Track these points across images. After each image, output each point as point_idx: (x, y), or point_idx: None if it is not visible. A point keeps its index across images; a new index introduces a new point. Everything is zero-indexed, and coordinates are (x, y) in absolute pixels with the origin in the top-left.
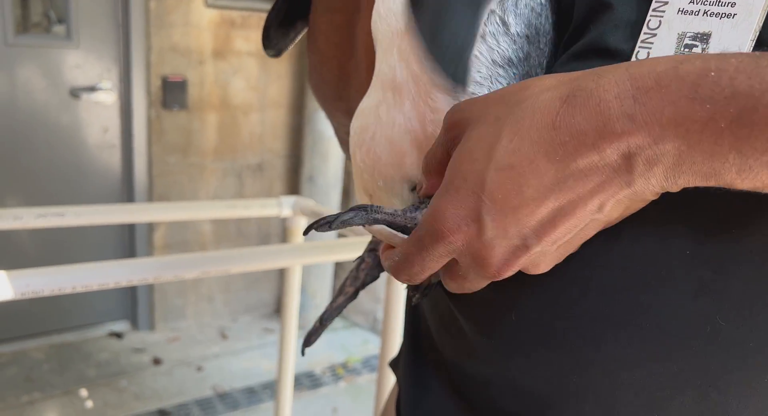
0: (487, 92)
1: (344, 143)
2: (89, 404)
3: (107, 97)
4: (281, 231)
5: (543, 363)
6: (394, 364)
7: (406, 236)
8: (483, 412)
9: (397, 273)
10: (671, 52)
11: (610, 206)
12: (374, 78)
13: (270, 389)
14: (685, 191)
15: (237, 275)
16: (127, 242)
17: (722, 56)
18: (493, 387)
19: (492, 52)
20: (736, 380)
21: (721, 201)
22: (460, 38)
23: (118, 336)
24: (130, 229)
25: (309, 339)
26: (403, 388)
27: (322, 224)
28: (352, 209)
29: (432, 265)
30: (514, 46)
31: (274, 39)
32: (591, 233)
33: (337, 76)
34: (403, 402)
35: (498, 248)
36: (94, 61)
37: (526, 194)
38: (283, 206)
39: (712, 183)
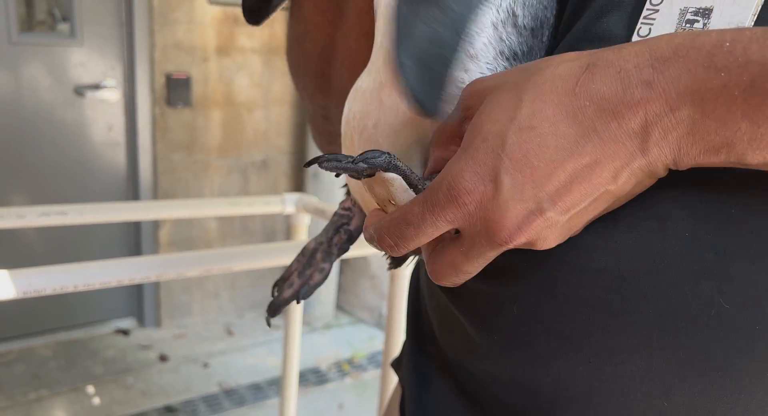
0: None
1: (319, 128)
2: (96, 401)
3: (111, 95)
4: (286, 228)
5: (547, 357)
6: (396, 365)
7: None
8: (489, 411)
9: (388, 234)
10: (672, 28)
11: (624, 177)
12: (374, 53)
13: (276, 385)
14: (681, 173)
15: (243, 272)
16: (133, 239)
17: (738, 30)
18: (498, 384)
19: (500, 43)
20: (744, 364)
21: (717, 183)
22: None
23: (124, 333)
24: (135, 227)
25: (278, 309)
26: (407, 389)
27: (329, 162)
28: (374, 150)
29: (430, 230)
30: (520, 39)
31: (255, 4)
32: (601, 207)
33: (321, 48)
34: (408, 404)
35: (512, 211)
36: (98, 59)
37: (546, 155)
38: (286, 203)
39: (722, 157)
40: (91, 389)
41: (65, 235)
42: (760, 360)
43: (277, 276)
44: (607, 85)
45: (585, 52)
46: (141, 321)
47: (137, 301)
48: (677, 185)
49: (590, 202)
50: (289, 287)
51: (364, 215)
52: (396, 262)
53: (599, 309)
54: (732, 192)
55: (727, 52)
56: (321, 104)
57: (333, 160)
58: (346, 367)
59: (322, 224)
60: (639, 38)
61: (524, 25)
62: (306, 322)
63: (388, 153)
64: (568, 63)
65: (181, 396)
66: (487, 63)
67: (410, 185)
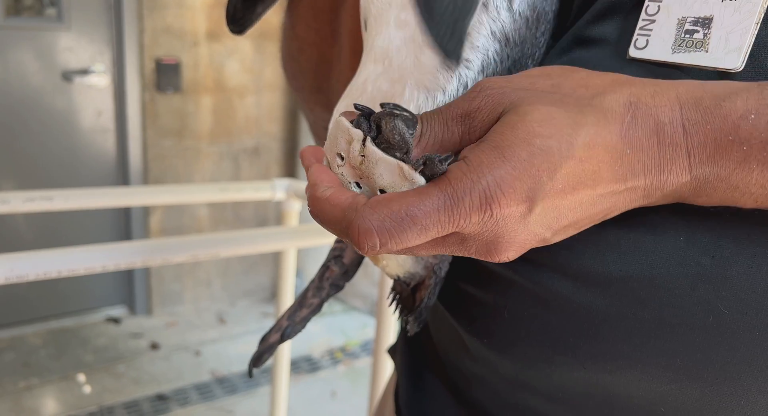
0: (480, 63)
1: (321, 139)
2: (87, 389)
3: (100, 80)
4: (278, 215)
5: (539, 362)
6: (392, 352)
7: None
8: (477, 409)
9: (379, 231)
10: (671, 39)
11: (621, 211)
12: (363, 56)
13: (268, 373)
14: None
15: (235, 259)
16: (123, 227)
17: (762, 94)
18: (486, 384)
19: (493, 23)
20: (743, 370)
21: None
22: (458, 6)
23: (115, 321)
24: (125, 214)
25: (261, 358)
26: (400, 379)
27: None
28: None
29: (434, 234)
30: (513, 26)
31: (239, 12)
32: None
33: (317, 65)
34: (401, 394)
35: (525, 235)
36: (86, 44)
37: (580, 194)
38: (276, 189)
39: (719, 202)
40: (81, 377)
41: (55, 223)
42: (761, 364)
43: (269, 264)
44: (648, 137)
45: (624, 81)
46: (132, 309)
47: (128, 289)
48: None
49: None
50: (277, 332)
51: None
52: (413, 315)
53: (593, 315)
54: None
55: (751, 126)
56: (321, 116)
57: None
58: (339, 355)
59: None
60: (636, 50)
61: (519, 12)
62: None
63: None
64: (613, 97)
65: (172, 384)
66: (479, 43)
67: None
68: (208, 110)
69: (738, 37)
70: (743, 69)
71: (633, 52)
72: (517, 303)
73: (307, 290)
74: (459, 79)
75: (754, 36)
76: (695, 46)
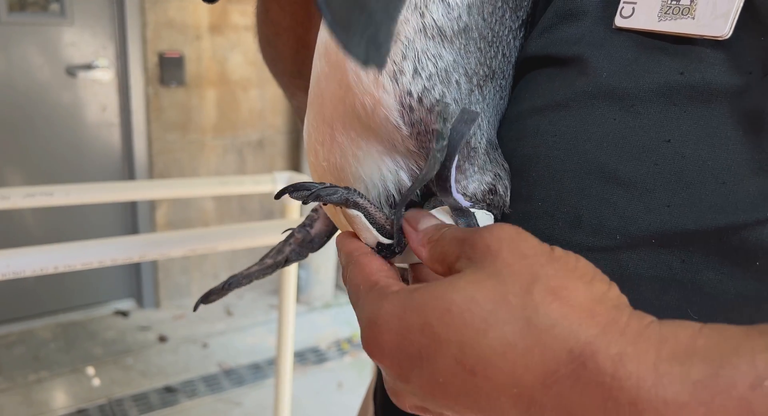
0: (410, 72)
1: (303, 121)
2: (96, 382)
3: (104, 74)
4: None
5: None
6: None
7: (379, 236)
8: None
9: (344, 279)
10: (657, 6)
11: None
12: (315, 49)
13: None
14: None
15: (242, 252)
16: (129, 221)
17: (753, 348)
18: None
19: (421, 18)
20: None
21: None
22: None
23: (123, 314)
24: (131, 208)
25: (208, 297)
26: (379, 382)
27: (298, 191)
28: (334, 186)
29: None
30: (449, 16)
31: None
32: None
33: (295, 50)
34: (378, 396)
35: (409, 397)
36: (89, 39)
37: (465, 403)
38: (277, 183)
39: None
40: (90, 370)
41: (62, 219)
42: None
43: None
44: (588, 408)
45: (593, 321)
46: (140, 303)
47: (136, 282)
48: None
49: None
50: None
51: (328, 220)
52: None
53: None
54: None
55: (763, 395)
56: (304, 101)
57: (301, 189)
58: (346, 346)
59: (315, 203)
60: (622, 19)
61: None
62: (305, 302)
63: (347, 188)
64: (563, 330)
65: (180, 377)
66: (407, 38)
67: (373, 222)
68: (212, 103)
69: (726, 2)
70: (731, 36)
71: (619, 22)
72: None
73: (270, 251)
74: (397, 84)
75: (743, 0)
76: (681, 13)
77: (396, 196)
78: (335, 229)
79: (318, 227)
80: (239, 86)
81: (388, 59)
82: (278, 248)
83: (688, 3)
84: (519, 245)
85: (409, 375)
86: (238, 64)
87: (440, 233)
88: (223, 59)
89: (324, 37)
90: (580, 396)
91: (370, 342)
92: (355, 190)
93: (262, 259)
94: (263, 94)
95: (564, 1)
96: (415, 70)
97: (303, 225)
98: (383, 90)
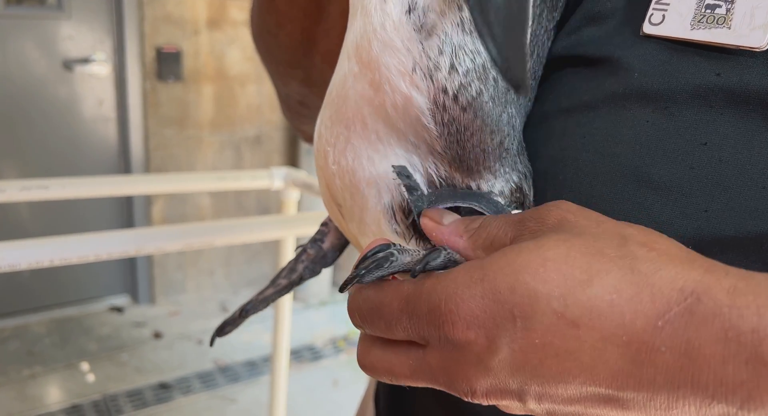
0: (447, 67)
1: (293, 110)
2: (90, 378)
3: (101, 69)
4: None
5: None
6: None
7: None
8: (465, 410)
9: (359, 315)
10: (690, 14)
11: None
12: (343, 48)
13: (270, 362)
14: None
15: (237, 248)
16: (125, 216)
17: None
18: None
19: (459, 11)
20: None
21: None
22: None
23: (118, 310)
24: (128, 204)
25: (224, 328)
26: (380, 384)
27: (356, 280)
28: (373, 254)
29: (401, 335)
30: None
31: None
32: None
33: (298, 42)
34: (382, 398)
35: (487, 382)
36: (86, 33)
37: (564, 365)
38: (274, 178)
39: None
40: (85, 366)
41: (58, 213)
42: None
43: (272, 252)
44: (705, 342)
45: (696, 264)
46: (135, 299)
47: (131, 278)
48: None
49: None
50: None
51: (340, 234)
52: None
53: None
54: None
55: None
56: (297, 90)
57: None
58: (342, 344)
59: (312, 199)
60: (651, 26)
61: None
62: (302, 299)
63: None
64: (669, 272)
65: (175, 373)
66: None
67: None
68: (209, 98)
69: (765, 12)
70: None
71: (647, 29)
72: None
73: (282, 270)
74: (432, 81)
75: None
76: (716, 23)
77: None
78: (348, 242)
79: (330, 240)
80: (237, 82)
81: (423, 55)
82: (290, 267)
83: (724, 12)
84: (590, 213)
85: (498, 343)
86: (236, 59)
87: (480, 221)
88: (221, 54)
89: (354, 37)
90: (697, 331)
91: (448, 318)
92: (391, 246)
93: (274, 280)
94: (261, 90)
95: (593, 3)
96: (452, 66)
97: (314, 240)
98: (416, 89)
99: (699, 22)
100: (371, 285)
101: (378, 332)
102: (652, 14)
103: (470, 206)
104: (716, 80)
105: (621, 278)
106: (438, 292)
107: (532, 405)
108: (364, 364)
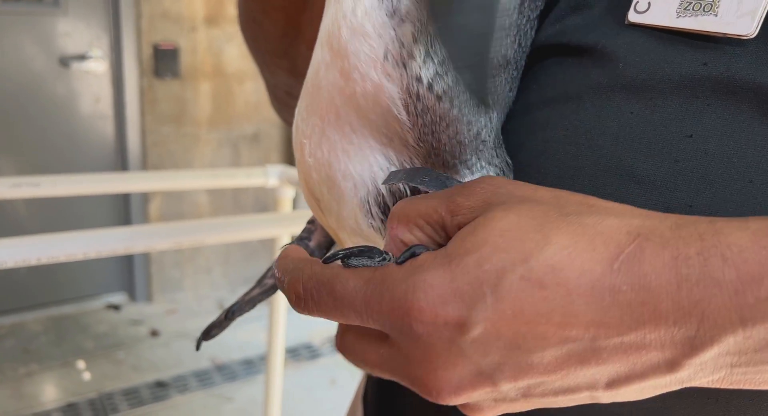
0: (422, 55)
1: (281, 101)
2: (87, 376)
3: (98, 66)
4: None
5: None
6: None
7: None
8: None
9: (305, 288)
10: (676, 2)
11: (631, 390)
12: (318, 38)
13: None
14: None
15: (235, 246)
16: (122, 214)
17: None
18: None
19: None
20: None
21: None
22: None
23: (115, 308)
24: (125, 202)
25: (210, 332)
26: (368, 384)
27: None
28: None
29: (352, 319)
30: None
31: None
32: (579, 402)
33: (283, 30)
34: (370, 399)
35: (461, 368)
36: (83, 29)
37: (538, 329)
38: (269, 176)
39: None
40: (81, 364)
41: (56, 210)
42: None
43: (270, 251)
44: (658, 272)
45: (635, 212)
46: (132, 296)
47: (128, 276)
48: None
49: (562, 390)
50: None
51: (326, 231)
52: None
53: None
54: None
55: None
56: (284, 80)
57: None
58: None
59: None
60: (636, 14)
61: None
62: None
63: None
64: (613, 220)
65: (172, 371)
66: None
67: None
68: (207, 96)
69: None
70: (757, 35)
71: (632, 17)
72: None
73: (268, 270)
74: (405, 69)
75: None
76: (703, 10)
77: (386, 195)
78: (332, 243)
79: (317, 238)
80: (235, 79)
81: (396, 42)
82: None
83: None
84: (520, 183)
85: (471, 320)
86: (233, 56)
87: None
88: (218, 51)
89: (327, 24)
90: (651, 264)
91: (421, 305)
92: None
93: (260, 280)
94: (259, 88)
95: None
96: (427, 54)
97: (300, 239)
98: (387, 77)
99: (685, 9)
100: (323, 268)
101: (324, 313)
102: (637, 2)
103: (416, 186)
104: (703, 70)
105: (572, 232)
106: (403, 282)
107: (507, 387)
108: (339, 347)
